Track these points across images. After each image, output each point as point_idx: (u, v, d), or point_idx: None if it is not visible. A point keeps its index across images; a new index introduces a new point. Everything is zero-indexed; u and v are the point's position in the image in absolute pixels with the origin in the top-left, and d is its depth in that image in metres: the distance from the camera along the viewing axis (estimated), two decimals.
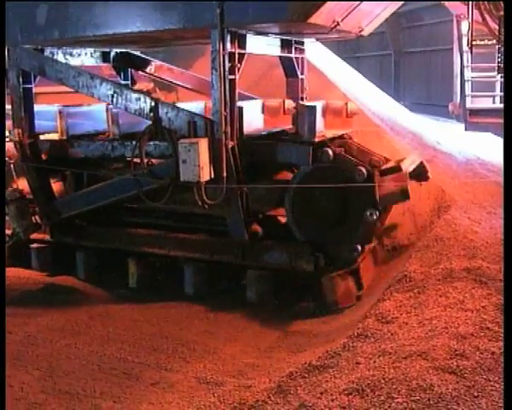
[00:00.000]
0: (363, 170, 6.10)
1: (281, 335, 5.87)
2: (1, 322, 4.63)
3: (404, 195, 6.17)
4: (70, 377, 5.17)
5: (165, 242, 7.04)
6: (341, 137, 7.20)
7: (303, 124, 6.37)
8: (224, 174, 6.15)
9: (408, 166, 6.53)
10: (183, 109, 6.50)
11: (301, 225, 6.46)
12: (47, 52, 7.47)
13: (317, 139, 6.40)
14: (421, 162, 7.03)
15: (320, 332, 5.79)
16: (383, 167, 6.36)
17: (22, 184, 7.60)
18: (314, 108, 6.52)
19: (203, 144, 6.02)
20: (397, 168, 6.30)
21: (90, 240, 7.54)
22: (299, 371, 4.53)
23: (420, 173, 6.91)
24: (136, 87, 9.03)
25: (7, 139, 7.30)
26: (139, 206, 7.32)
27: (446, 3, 13.78)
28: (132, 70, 9.01)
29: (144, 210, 7.42)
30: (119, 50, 8.65)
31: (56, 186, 7.93)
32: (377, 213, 6.10)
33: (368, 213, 6.07)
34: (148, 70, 8.97)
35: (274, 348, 5.62)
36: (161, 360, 5.41)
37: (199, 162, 5.93)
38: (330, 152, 6.23)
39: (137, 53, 8.91)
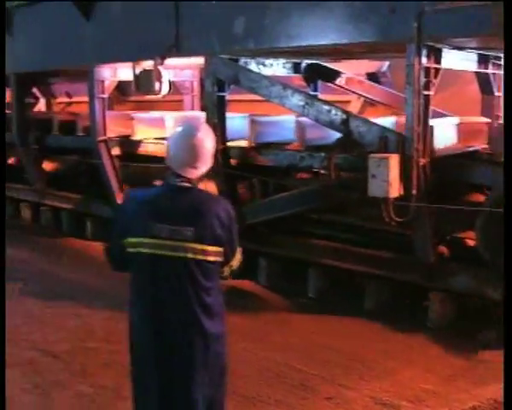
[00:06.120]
0: None
1: (463, 363, 5.58)
2: (1, 321, 4.78)
3: None
4: (245, 380, 5.22)
5: (348, 255, 6.95)
6: None
7: (501, 144, 6.03)
8: (414, 192, 5.98)
9: None
10: (375, 124, 6.40)
11: (493, 251, 6.11)
12: (241, 62, 7.64)
13: None
14: None
15: None
16: None
17: (211, 187, 7.83)
18: None
19: (394, 160, 5.87)
20: None
21: (272, 247, 7.63)
22: (483, 405, 4.29)
23: None
24: None
25: None
26: (320, 217, 7.31)
27: None
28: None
29: (326, 222, 7.40)
30: (309, 61, 8.73)
31: (243, 192, 8.11)
32: None
33: None
34: (338, 82, 8.97)
35: (455, 376, 5.35)
36: (336, 374, 5.34)
37: (388, 178, 5.81)
38: None
39: (327, 64, 8.94)
